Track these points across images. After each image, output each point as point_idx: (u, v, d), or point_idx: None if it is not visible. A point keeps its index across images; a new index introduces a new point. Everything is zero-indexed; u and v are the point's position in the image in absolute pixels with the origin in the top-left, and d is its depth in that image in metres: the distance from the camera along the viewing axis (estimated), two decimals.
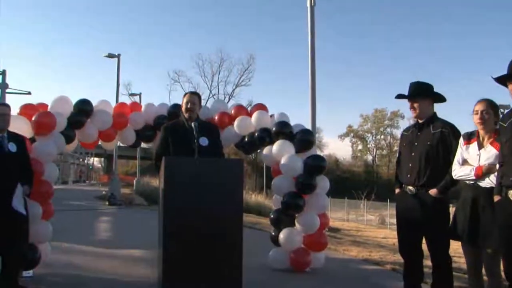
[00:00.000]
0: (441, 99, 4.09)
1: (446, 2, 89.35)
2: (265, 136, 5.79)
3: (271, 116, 6.01)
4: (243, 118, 5.91)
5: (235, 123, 5.88)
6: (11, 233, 4.03)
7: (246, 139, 5.93)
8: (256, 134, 5.83)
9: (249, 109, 6.22)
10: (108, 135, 5.90)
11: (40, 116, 5.11)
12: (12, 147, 4.12)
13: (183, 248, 3.55)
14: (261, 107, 6.15)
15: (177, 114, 5.71)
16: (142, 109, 6.12)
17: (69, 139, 5.40)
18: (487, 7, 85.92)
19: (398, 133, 65.66)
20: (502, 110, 3.71)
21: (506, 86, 3.25)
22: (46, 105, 5.43)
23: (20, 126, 4.77)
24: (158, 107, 6.13)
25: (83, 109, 5.54)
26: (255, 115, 5.90)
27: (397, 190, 4.17)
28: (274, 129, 5.75)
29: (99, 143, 6.11)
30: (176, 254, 3.55)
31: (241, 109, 6.11)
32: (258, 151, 6.29)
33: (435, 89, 4.06)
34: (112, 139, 6.01)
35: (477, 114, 3.57)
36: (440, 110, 4.07)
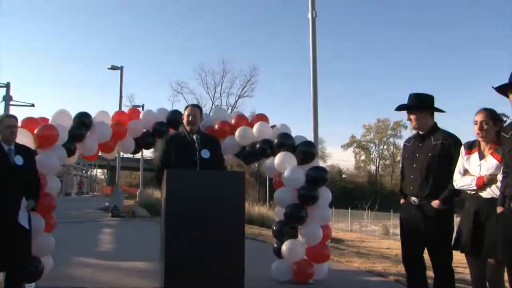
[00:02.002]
0: (440, 110, 4.10)
1: (453, 11, 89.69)
2: (267, 148, 5.79)
3: (273, 127, 6.03)
4: (244, 128, 5.90)
5: (236, 133, 5.87)
6: (15, 247, 3.99)
7: (247, 149, 5.93)
8: (258, 145, 5.83)
9: (249, 119, 6.22)
10: (108, 147, 5.91)
11: (43, 129, 5.14)
12: (19, 160, 4.05)
13: (185, 260, 3.56)
14: (262, 117, 6.15)
15: (176, 121, 5.76)
16: (141, 116, 6.10)
17: (70, 152, 5.42)
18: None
19: (401, 143, 65.40)
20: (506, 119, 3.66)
21: (507, 96, 3.25)
22: (47, 119, 5.46)
23: (23, 140, 4.78)
24: (157, 113, 6.10)
25: (83, 121, 5.56)
26: (256, 126, 5.90)
27: (401, 201, 4.18)
28: (276, 140, 5.74)
29: (99, 154, 6.11)
30: (178, 266, 3.56)
31: (242, 119, 6.10)
32: (261, 162, 6.31)
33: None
34: (112, 150, 6.03)
35: (476, 124, 3.54)
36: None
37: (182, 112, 5.08)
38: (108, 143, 5.84)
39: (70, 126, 5.47)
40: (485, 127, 3.50)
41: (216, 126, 5.90)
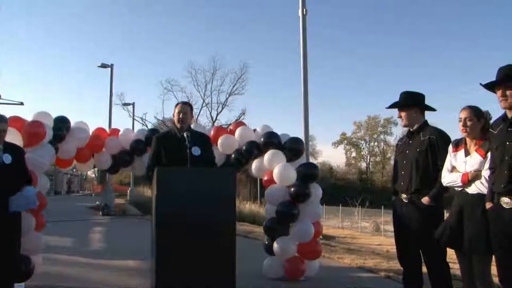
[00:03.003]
0: (430, 108, 4.20)
1: (444, 12, 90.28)
2: (253, 149, 5.78)
3: (254, 130, 6.02)
4: (226, 136, 5.88)
5: (219, 142, 5.84)
6: (4, 246, 3.98)
7: (233, 156, 5.88)
8: (244, 147, 5.80)
9: (228, 128, 6.21)
10: (83, 156, 5.87)
11: (31, 126, 5.08)
12: (7, 158, 4.02)
13: (176, 257, 3.54)
14: (240, 124, 6.18)
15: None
16: (120, 133, 6.11)
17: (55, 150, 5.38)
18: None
19: (391, 140, 65.99)
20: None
21: (495, 92, 3.28)
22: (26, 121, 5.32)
23: (10, 137, 4.71)
24: (136, 132, 6.17)
25: (62, 126, 5.55)
26: (238, 131, 5.88)
27: (393, 198, 4.26)
28: (262, 139, 5.75)
29: (74, 163, 6.07)
30: (169, 264, 3.54)
31: (221, 130, 6.14)
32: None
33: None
34: (87, 159, 5.97)
35: (461, 121, 3.63)
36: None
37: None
38: (84, 152, 5.81)
39: (52, 127, 5.41)
40: (468, 123, 3.58)
41: None
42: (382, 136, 70.34)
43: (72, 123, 5.73)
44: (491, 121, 3.52)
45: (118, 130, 6.26)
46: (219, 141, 5.85)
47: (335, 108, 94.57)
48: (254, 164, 5.90)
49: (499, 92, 3.20)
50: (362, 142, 72.13)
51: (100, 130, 6.15)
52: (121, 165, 6.16)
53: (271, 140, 5.74)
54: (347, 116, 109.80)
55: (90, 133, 5.89)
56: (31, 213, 4.77)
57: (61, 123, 5.57)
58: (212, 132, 5.98)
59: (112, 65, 22.37)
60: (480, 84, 3.33)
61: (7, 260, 4.03)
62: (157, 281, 3.54)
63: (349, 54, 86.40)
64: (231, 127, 6.23)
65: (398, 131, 58.84)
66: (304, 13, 9.69)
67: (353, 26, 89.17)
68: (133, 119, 33.59)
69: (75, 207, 23.04)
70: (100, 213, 18.16)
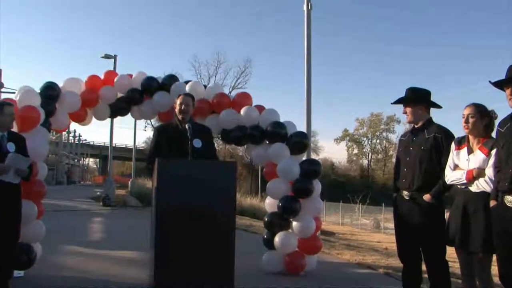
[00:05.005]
0: (435, 105, 4.14)
1: (444, 5, 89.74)
2: (257, 134, 5.70)
3: (261, 107, 5.88)
4: (230, 112, 5.72)
5: (221, 116, 5.70)
6: (4, 235, 3.99)
7: (233, 134, 5.76)
8: (248, 130, 5.69)
9: (231, 97, 6.01)
10: (79, 116, 5.70)
11: (25, 110, 4.91)
12: (11, 147, 4.05)
13: (175, 249, 3.54)
14: (244, 96, 5.99)
15: (151, 88, 5.72)
16: (115, 80, 5.83)
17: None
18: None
19: (393, 137, 66.00)
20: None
21: (504, 90, 3.26)
22: (14, 100, 5.09)
23: None
24: (132, 78, 5.88)
25: (49, 95, 5.31)
26: (244, 110, 5.69)
27: (394, 195, 4.22)
28: (268, 129, 5.65)
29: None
30: (168, 256, 3.54)
31: (223, 97, 5.87)
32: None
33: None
34: (84, 118, 5.81)
35: (464, 118, 3.61)
36: None
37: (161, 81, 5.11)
38: (79, 112, 5.62)
39: (40, 103, 5.22)
40: (470, 120, 3.56)
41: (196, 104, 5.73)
42: (384, 134, 70.38)
43: (62, 84, 5.50)
44: (497, 120, 3.50)
45: (115, 74, 6.00)
46: (222, 115, 5.70)
47: (338, 104, 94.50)
48: (256, 151, 5.86)
49: (508, 91, 3.18)
50: (364, 139, 72.18)
51: (93, 79, 5.83)
52: (118, 113, 6.08)
53: (278, 131, 5.64)
54: (350, 113, 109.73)
55: (83, 86, 5.69)
56: (32, 201, 4.78)
57: (48, 94, 5.29)
58: (212, 99, 5.77)
59: (115, 56, 22.34)
60: (489, 82, 3.31)
61: (6, 248, 4.04)
62: (157, 272, 3.54)
63: (354, 49, 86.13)
64: (234, 97, 5.97)
65: (401, 129, 58.78)
66: (309, 8, 9.62)
67: (358, 23, 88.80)
68: None
69: (76, 197, 23.08)
70: (101, 204, 18.19)
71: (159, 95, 5.78)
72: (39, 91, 5.31)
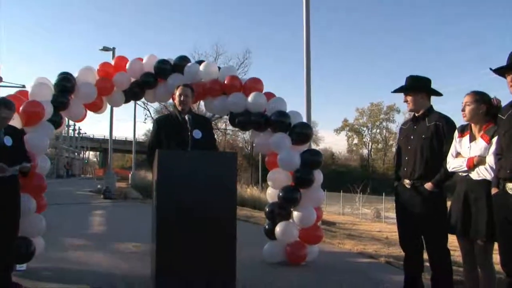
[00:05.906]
0: (436, 93, 4.12)
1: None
2: (261, 121, 5.69)
3: (270, 95, 5.87)
4: (238, 96, 5.72)
5: (230, 98, 5.72)
6: (3, 229, 3.99)
7: (240, 118, 5.77)
8: (252, 117, 5.68)
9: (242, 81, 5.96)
10: (96, 105, 5.73)
11: (29, 106, 4.93)
12: (8, 140, 4.03)
13: (177, 241, 3.54)
14: (256, 82, 5.94)
15: (165, 71, 5.72)
16: (127, 66, 5.83)
17: (56, 124, 5.29)
18: None
19: (393, 127, 65.94)
20: None
21: (505, 77, 3.24)
22: (26, 92, 5.22)
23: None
24: (144, 62, 5.87)
25: (65, 86, 5.32)
26: (252, 96, 5.67)
27: (395, 183, 4.21)
28: (272, 117, 5.60)
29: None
30: (170, 247, 3.54)
31: (234, 80, 5.84)
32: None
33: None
34: (100, 107, 5.85)
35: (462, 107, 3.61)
36: None
37: (171, 62, 5.12)
38: (95, 102, 5.65)
39: (52, 96, 5.24)
40: (466, 109, 3.55)
41: (207, 84, 5.79)
42: (384, 123, 70.31)
43: (77, 74, 5.51)
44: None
45: (126, 60, 5.94)
46: (231, 97, 5.71)
47: (338, 94, 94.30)
48: (259, 138, 5.87)
49: (509, 78, 3.16)
50: (364, 129, 72.14)
51: (105, 66, 5.83)
52: (132, 98, 6.13)
53: (282, 119, 5.59)
54: (350, 103, 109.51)
55: (96, 75, 5.71)
56: (32, 195, 4.77)
57: (63, 85, 5.30)
58: (225, 81, 5.78)
59: (114, 48, 22.22)
60: (490, 69, 3.29)
61: (7, 241, 4.03)
62: (158, 265, 3.54)
63: (354, 39, 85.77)
64: (245, 82, 5.92)
65: (401, 119, 58.76)
66: None
67: (357, 12, 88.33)
68: (135, 103, 33.60)
69: (77, 190, 23.10)
70: (102, 196, 18.21)
71: (173, 77, 5.81)
72: (54, 83, 5.32)
